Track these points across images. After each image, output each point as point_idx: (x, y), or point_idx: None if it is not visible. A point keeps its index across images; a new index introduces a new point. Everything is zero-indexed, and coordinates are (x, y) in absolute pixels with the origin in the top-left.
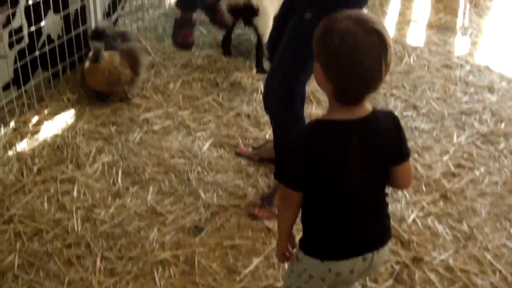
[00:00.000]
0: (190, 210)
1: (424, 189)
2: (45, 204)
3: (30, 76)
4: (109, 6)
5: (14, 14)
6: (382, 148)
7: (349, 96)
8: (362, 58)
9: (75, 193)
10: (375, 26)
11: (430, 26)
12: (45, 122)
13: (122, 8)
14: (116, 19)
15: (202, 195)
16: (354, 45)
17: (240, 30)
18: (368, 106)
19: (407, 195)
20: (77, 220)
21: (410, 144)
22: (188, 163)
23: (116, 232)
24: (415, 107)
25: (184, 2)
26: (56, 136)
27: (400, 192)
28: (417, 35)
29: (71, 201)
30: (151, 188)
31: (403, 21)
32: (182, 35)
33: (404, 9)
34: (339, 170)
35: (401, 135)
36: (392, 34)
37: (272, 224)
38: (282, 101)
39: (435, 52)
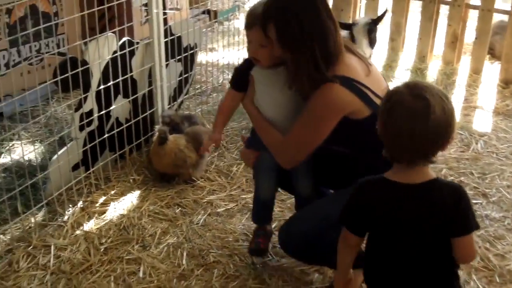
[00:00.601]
0: None
1: (497, 279)
2: (112, 284)
3: (98, 157)
4: (174, 90)
5: (85, 98)
6: (435, 217)
7: (392, 155)
8: (401, 119)
9: (141, 273)
10: (424, 93)
11: (497, 112)
12: (112, 203)
13: (187, 92)
14: (181, 103)
15: (268, 280)
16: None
17: None
18: (430, 173)
19: (480, 286)
20: None
21: (481, 232)
22: None
23: None
24: (484, 195)
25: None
26: (122, 216)
27: (472, 283)
28: (483, 122)
29: (137, 282)
30: (215, 271)
31: (469, 108)
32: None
33: (469, 95)
34: (391, 227)
35: (460, 210)
36: (457, 120)
37: None
38: (309, 246)
39: (503, 139)
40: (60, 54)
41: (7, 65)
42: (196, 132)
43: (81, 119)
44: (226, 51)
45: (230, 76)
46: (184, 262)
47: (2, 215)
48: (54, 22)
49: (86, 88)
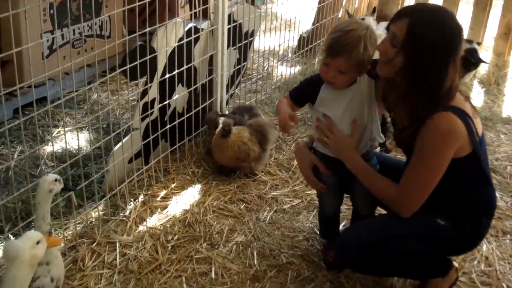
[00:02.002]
0: None
1: None
2: (184, 285)
3: (151, 149)
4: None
5: (149, 88)
6: None
7: None
8: None
9: (213, 274)
10: None
11: None
12: (174, 197)
13: (239, 83)
14: (232, 94)
15: (345, 284)
16: None
17: None
18: None
19: None
20: None
21: None
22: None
23: None
24: None
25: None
26: (186, 211)
27: None
28: None
29: (210, 283)
30: (289, 273)
31: None
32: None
33: None
34: None
35: None
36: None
37: None
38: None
39: None
40: (102, 36)
41: (50, 48)
42: (259, 124)
43: (144, 109)
44: (266, 37)
45: (274, 63)
46: (255, 262)
47: (56, 208)
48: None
49: (151, 77)
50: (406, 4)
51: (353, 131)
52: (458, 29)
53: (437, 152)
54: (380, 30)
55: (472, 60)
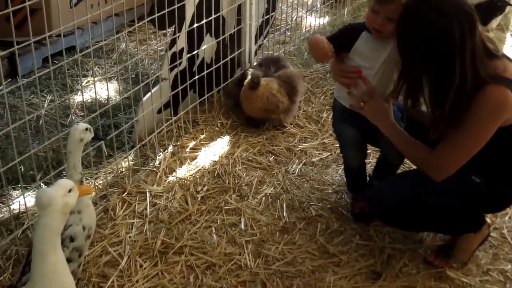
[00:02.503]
0: (364, 253)
1: None
2: (214, 236)
3: (188, 100)
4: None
5: (177, 37)
6: None
7: None
8: None
9: (242, 225)
10: None
11: None
12: (202, 148)
13: (267, 33)
14: (261, 44)
15: (375, 237)
16: None
17: None
18: None
19: None
20: (248, 255)
21: None
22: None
23: (290, 271)
24: None
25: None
26: (215, 163)
27: None
28: None
29: (240, 234)
30: (319, 225)
31: None
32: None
33: None
34: None
35: None
36: None
37: (454, 274)
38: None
39: None
40: None
41: None
42: (288, 76)
43: (173, 59)
44: None
45: (302, 14)
46: (284, 214)
47: (87, 158)
48: None
49: (180, 26)
50: None
51: (388, 97)
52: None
53: (483, 125)
54: None
55: (498, 3)
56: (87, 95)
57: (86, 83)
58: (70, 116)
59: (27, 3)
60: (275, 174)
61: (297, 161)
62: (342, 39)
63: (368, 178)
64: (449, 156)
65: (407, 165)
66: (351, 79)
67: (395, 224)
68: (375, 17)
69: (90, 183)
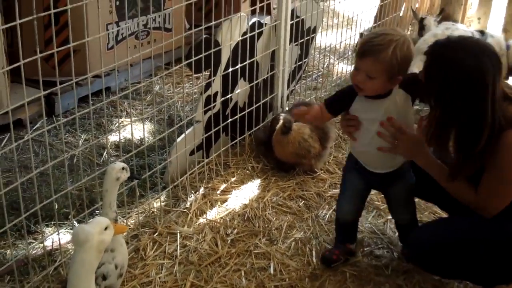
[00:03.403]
0: None
1: None
2: (243, 279)
3: (213, 143)
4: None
5: (211, 81)
6: None
7: None
8: None
9: (271, 270)
10: None
11: None
12: (233, 191)
13: (299, 79)
14: (293, 90)
15: (404, 286)
16: None
17: None
18: None
19: None
20: None
21: None
22: (385, 247)
23: None
24: None
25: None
26: (245, 206)
27: None
28: None
29: (269, 279)
30: (348, 273)
31: None
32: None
33: None
34: None
35: None
36: None
37: None
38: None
39: None
40: (165, 29)
41: (115, 39)
42: None
43: (207, 102)
44: (326, 34)
45: (333, 61)
46: (314, 260)
47: (120, 197)
48: None
49: (215, 70)
50: (469, 4)
51: (417, 128)
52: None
53: None
54: (439, 30)
55: None
56: (121, 136)
57: (120, 123)
58: (103, 156)
59: (70, 45)
60: (305, 219)
61: (327, 206)
62: (339, 101)
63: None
64: (490, 200)
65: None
66: (354, 127)
67: (429, 269)
68: (356, 73)
69: (122, 222)
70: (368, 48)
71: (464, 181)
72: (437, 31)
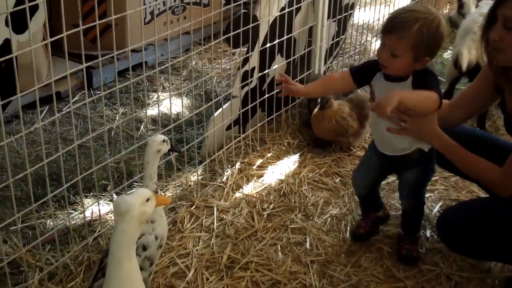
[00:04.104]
0: (430, 278)
1: None
2: (279, 253)
3: (257, 118)
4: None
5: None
6: None
7: None
8: None
9: (307, 245)
10: None
11: None
12: (269, 166)
13: (336, 56)
14: (329, 67)
15: (441, 264)
16: None
17: None
18: None
19: None
20: (313, 275)
21: None
22: (421, 225)
23: None
24: None
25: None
26: (281, 181)
27: None
28: None
29: (305, 254)
30: (384, 249)
31: None
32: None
33: None
34: None
35: None
36: None
37: None
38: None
39: None
40: (201, 4)
41: (152, 14)
42: (360, 100)
43: (244, 77)
44: (362, 11)
45: (370, 38)
46: (349, 236)
47: (158, 170)
48: None
49: (253, 45)
50: None
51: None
52: None
53: None
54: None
55: None
56: (157, 111)
57: (157, 98)
58: (140, 129)
59: (112, 18)
60: (341, 195)
61: None
62: (365, 71)
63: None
64: None
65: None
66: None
67: (460, 250)
68: (381, 49)
69: (161, 195)
70: (393, 24)
71: (484, 160)
72: (483, 10)
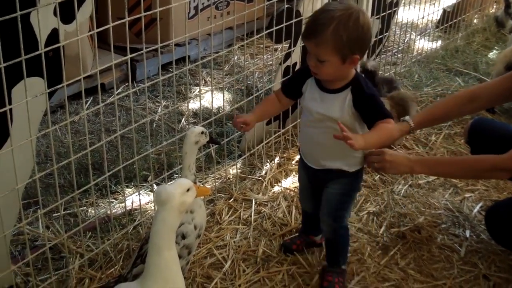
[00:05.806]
0: (468, 279)
1: None
2: (315, 249)
3: (297, 114)
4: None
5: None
6: None
7: None
8: None
9: None
10: None
11: None
12: None
13: (379, 53)
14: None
15: (479, 264)
16: None
17: None
18: None
19: None
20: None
21: None
22: (461, 225)
23: None
24: None
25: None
26: None
27: None
28: None
29: None
30: (423, 247)
31: None
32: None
33: None
34: None
35: None
36: None
37: None
38: None
39: None
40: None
41: (196, 8)
42: (402, 98)
43: (286, 72)
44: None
45: (413, 37)
46: (386, 233)
47: (197, 162)
48: None
49: (295, 41)
50: None
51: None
52: None
53: None
54: None
55: None
56: (198, 104)
57: (198, 91)
58: (181, 122)
59: (156, 10)
60: (380, 193)
61: (402, 182)
62: (295, 83)
63: None
64: None
65: None
66: None
67: (507, 244)
68: (308, 57)
69: (200, 186)
70: (310, 29)
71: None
72: None
